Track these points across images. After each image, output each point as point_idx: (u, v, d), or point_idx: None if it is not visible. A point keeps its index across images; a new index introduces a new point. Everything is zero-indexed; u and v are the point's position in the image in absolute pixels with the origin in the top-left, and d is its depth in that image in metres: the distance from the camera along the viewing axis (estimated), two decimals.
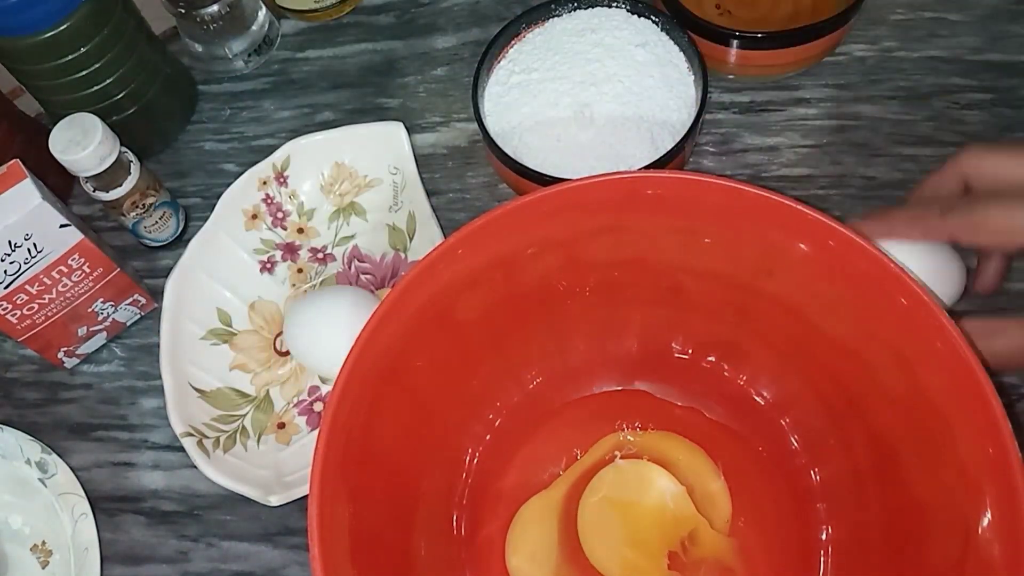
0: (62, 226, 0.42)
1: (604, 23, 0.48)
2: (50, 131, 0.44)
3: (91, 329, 0.48)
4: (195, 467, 0.42)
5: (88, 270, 0.45)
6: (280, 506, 0.41)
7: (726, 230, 0.32)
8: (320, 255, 0.50)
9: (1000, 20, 0.50)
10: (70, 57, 0.46)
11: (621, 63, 0.47)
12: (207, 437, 0.43)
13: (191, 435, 0.43)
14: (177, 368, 0.45)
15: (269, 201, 0.49)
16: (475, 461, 0.40)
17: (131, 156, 0.46)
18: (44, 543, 0.45)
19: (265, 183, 0.49)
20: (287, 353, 0.47)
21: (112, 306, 0.48)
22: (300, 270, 0.49)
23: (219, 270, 0.48)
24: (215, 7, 0.53)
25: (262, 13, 0.56)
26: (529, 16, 0.48)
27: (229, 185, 0.48)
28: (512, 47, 0.49)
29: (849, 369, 0.34)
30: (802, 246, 0.31)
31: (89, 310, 0.47)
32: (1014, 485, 0.26)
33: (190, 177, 0.54)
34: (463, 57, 0.54)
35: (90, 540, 0.43)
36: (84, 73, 0.48)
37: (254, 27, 0.56)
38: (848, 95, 0.49)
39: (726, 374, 0.39)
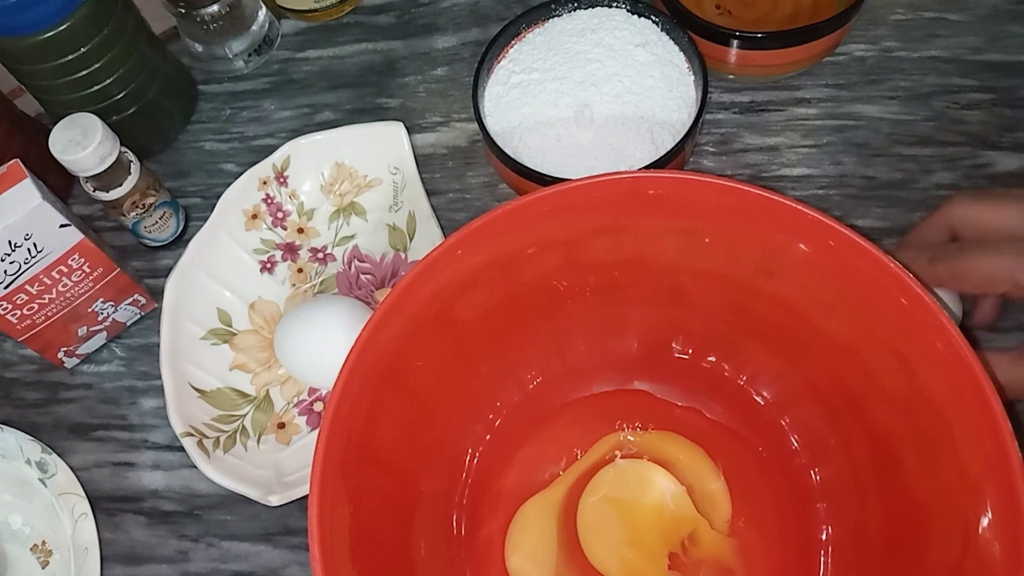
0: (62, 226, 0.42)
1: (604, 23, 0.48)
2: (50, 131, 0.44)
3: (91, 329, 0.48)
4: (195, 467, 0.42)
5: (88, 270, 0.45)
6: (280, 506, 0.41)
7: (726, 230, 0.32)
8: (320, 255, 0.50)
9: (1000, 20, 0.50)
10: (70, 57, 0.46)
11: (621, 63, 0.47)
12: (207, 437, 0.43)
13: (191, 435, 0.43)
14: (177, 368, 0.45)
15: (269, 201, 0.49)
16: (475, 461, 0.40)
17: (131, 156, 0.46)
18: (44, 543, 0.45)
19: (265, 183, 0.49)
20: None
21: (112, 306, 0.48)
22: (300, 270, 0.49)
23: (219, 270, 0.48)
24: (215, 7, 0.53)
25: (262, 13, 0.56)
26: (529, 16, 0.48)
27: (229, 185, 0.48)
28: (512, 47, 0.49)
29: (849, 369, 0.34)
30: (802, 246, 0.31)
31: (89, 310, 0.47)
32: (1014, 485, 0.26)
33: (190, 177, 0.54)
34: (463, 57, 0.54)
35: (90, 540, 0.43)
36: (84, 73, 0.48)
37: (254, 27, 0.56)
38: (848, 95, 0.49)
39: (726, 374, 0.39)
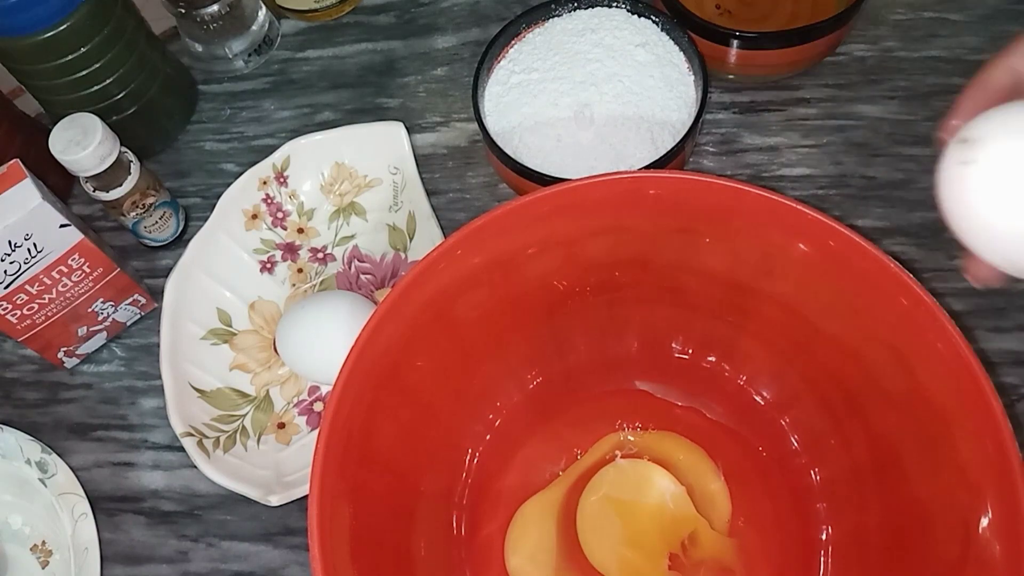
0: (62, 226, 0.42)
1: (604, 23, 0.48)
2: (50, 131, 0.44)
3: (91, 329, 0.48)
4: (195, 467, 0.42)
5: (88, 270, 0.45)
6: (280, 506, 0.41)
7: (726, 230, 0.32)
8: (320, 255, 0.50)
9: (1000, 20, 0.50)
10: (70, 57, 0.46)
11: (621, 63, 0.47)
12: (207, 437, 0.43)
13: (191, 435, 0.43)
14: (177, 368, 0.45)
15: (269, 201, 0.49)
16: (475, 461, 0.40)
17: (131, 156, 0.46)
18: (44, 543, 0.45)
19: (265, 183, 0.49)
20: None
21: (112, 306, 0.48)
22: (300, 270, 0.49)
23: (219, 270, 0.48)
24: (215, 7, 0.53)
25: (262, 13, 0.56)
26: (529, 16, 0.48)
27: (229, 185, 0.48)
28: (512, 47, 0.49)
29: (849, 369, 0.34)
30: (802, 246, 0.31)
31: (89, 310, 0.47)
32: (1014, 485, 0.26)
33: (190, 177, 0.54)
34: (463, 57, 0.54)
35: (90, 540, 0.43)
36: (84, 73, 0.48)
37: (254, 27, 0.56)
38: (848, 95, 0.49)
39: (726, 374, 0.39)
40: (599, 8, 0.48)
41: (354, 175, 0.50)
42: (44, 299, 0.44)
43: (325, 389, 0.46)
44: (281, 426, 0.45)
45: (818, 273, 0.32)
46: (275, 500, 0.40)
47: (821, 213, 0.30)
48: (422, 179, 0.48)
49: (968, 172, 0.26)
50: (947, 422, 0.29)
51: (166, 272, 0.47)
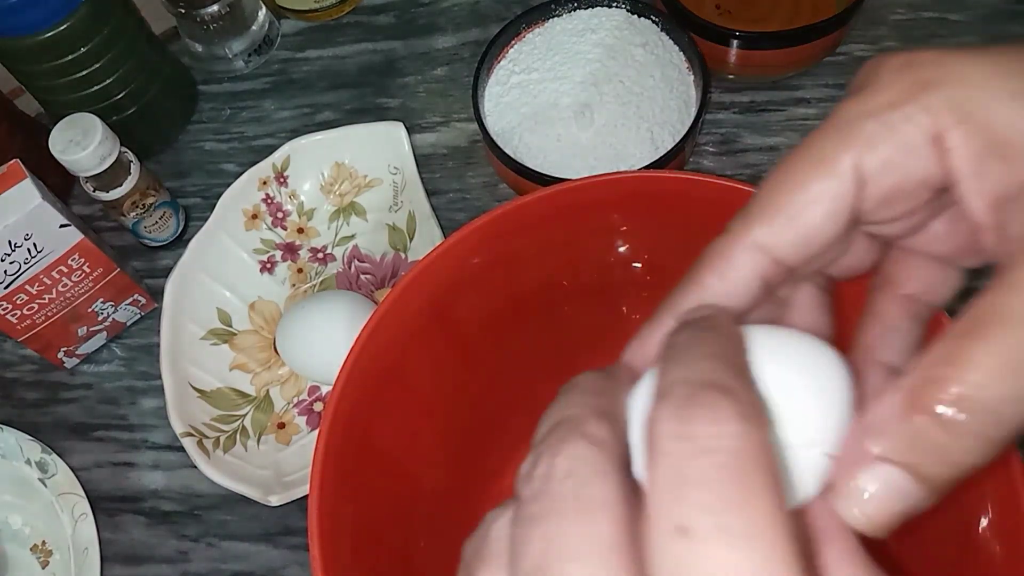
0: (62, 226, 0.42)
1: (604, 23, 0.48)
2: (50, 131, 0.44)
3: (91, 329, 0.48)
4: (195, 467, 0.42)
5: (88, 270, 0.45)
6: (280, 506, 0.41)
7: None
8: (320, 255, 0.50)
9: (1000, 20, 0.50)
10: (70, 57, 0.46)
11: (621, 63, 0.47)
12: (207, 437, 0.43)
13: (191, 435, 0.43)
14: (177, 368, 0.45)
15: (269, 201, 0.49)
16: (475, 461, 0.40)
17: (131, 156, 0.46)
18: (44, 543, 0.45)
19: (265, 183, 0.49)
20: None
21: (112, 306, 0.48)
22: (300, 270, 0.49)
23: (219, 270, 0.48)
24: (215, 7, 0.53)
25: (262, 13, 0.56)
26: (529, 16, 0.48)
27: (229, 185, 0.48)
28: (512, 47, 0.49)
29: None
30: None
31: (89, 310, 0.47)
32: (1014, 485, 0.26)
33: (190, 177, 0.54)
34: (463, 57, 0.54)
35: (90, 540, 0.43)
36: (84, 73, 0.48)
37: (254, 27, 0.56)
38: None
39: None
40: (599, 8, 0.48)
41: (354, 175, 0.50)
42: (44, 299, 0.44)
43: (325, 389, 0.46)
44: (281, 426, 0.45)
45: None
46: (275, 500, 0.40)
47: None
48: (422, 179, 0.48)
49: None
50: None
51: (166, 272, 0.47)
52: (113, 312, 0.48)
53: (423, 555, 0.36)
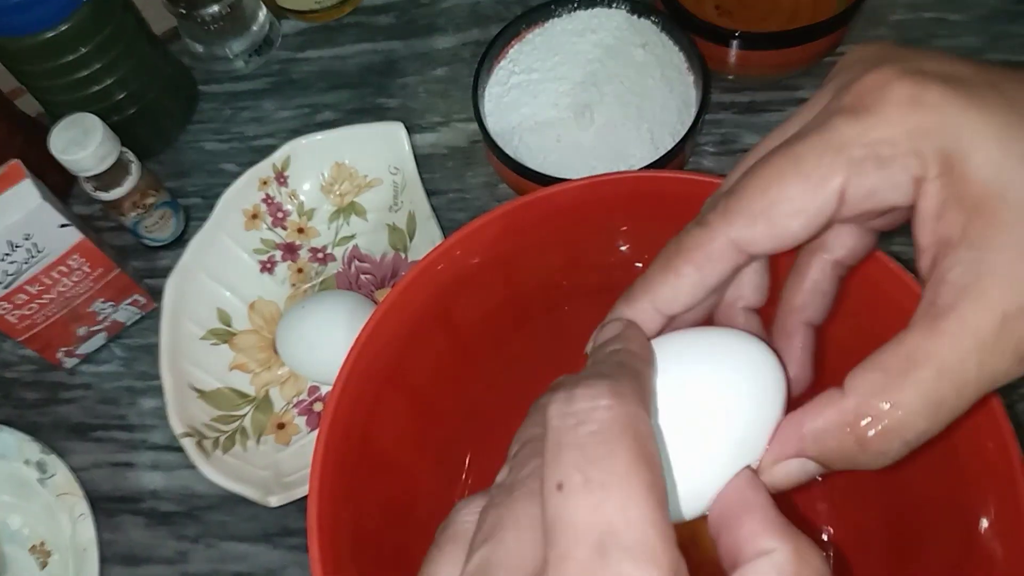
0: (62, 226, 0.42)
1: (604, 23, 0.48)
2: (50, 131, 0.44)
3: (91, 329, 0.48)
4: (194, 467, 0.42)
5: (88, 270, 0.45)
6: (279, 507, 0.40)
7: None
8: (320, 255, 0.50)
9: (1000, 20, 0.50)
10: (71, 57, 0.46)
11: (621, 63, 0.47)
12: (206, 437, 0.43)
13: (190, 435, 0.43)
14: (177, 368, 0.45)
15: (269, 201, 0.49)
16: (475, 461, 0.40)
17: (131, 156, 0.46)
18: (43, 543, 0.45)
19: (265, 183, 0.49)
20: None
21: (112, 306, 0.48)
22: (300, 270, 0.49)
23: (219, 270, 0.48)
24: (215, 7, 0.53)
25: (262, 13, 0.56)
26: (529, 16, 0.48)
27: (229, 185, 0.48)
28: (512, 47, 0.49)
29: (848, 369, 0.33)
30: None
31: (89, 310, 0.47)
32: (1014, 485, 0.26)
33: (190, 177, 0.54)
34: (463, 57, 0.54)
35: (89, 540, 0.43)
36: (85, 73, 0.48)
37: (254, 27, 0.56)
38: None
39: None
40: (599, 8, 0.48)
41: (354, 175, 0.50)
42: (44, 299, 0.44)
43: (325, 389, 0.46)
44: (281, 426, 0.45)
45: None
46: (274, 501, 0.40)
47: None
48: (422, 179, 0.48)
49: None
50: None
51: (166, 272, 0.47)
52: (113, 312, 0.48)
53: (423, 555, 0.36)
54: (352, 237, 0.49)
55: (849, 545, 0.36)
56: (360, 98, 0.54)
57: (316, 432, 0.38)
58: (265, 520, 0.44)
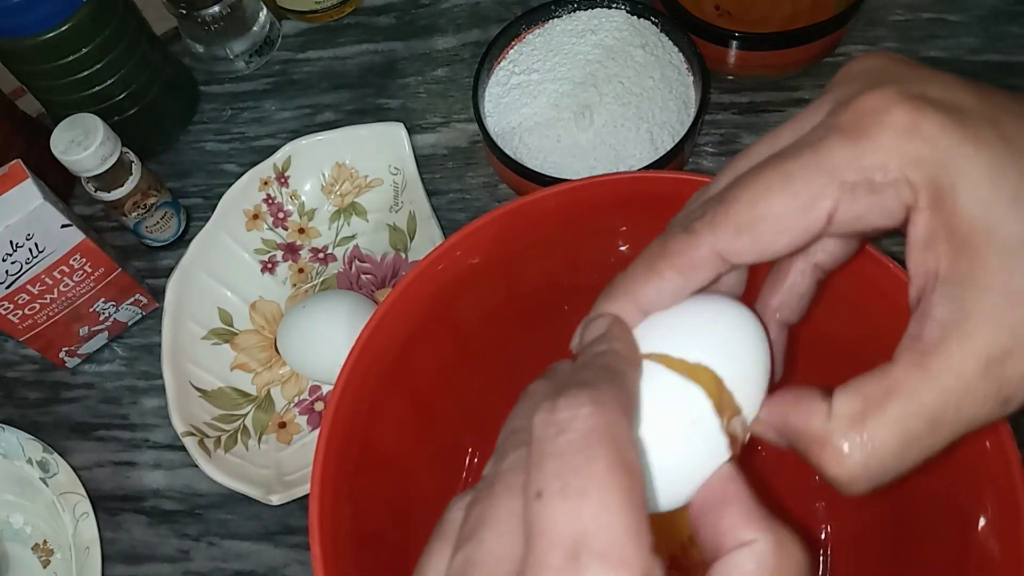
0: (64, 226, 0.42)
1: (604, 24, 0.48)
2: (51, 131, 0.44)
3: (92, 329, 0.48)
4: (196, 466, 0.42)
5: (89, 270, 0.45)
6: (281, 505, 0.41)
7: None
8: (321, 255, 0.50)
9: (1000, 20, 0.50)
10: (71, 58, 0.47)
11: (621, 64, 0.47)
12: (208, 436, 0.43)
13: (192, 434, 0.43)
14: (178, 367, 0.45)
15: (270, 201, 0.50)
16: (475, 461, 0.40)
17: (132, 156, 0.47)
18: (45, 542, 0.45)
19: (266, 183, 0.49)
20: None
21: (113, 306, 0.48)
22: (301, 270, 0.49)
23: (220, 270, 0.48)
24: (216, 8, 0.53)
25: (263, 14, 0.56)
26: (529, 17, 0.49)
27: (230, 185, 0.48)
28: (512, 48, 0.49)
29: (848, 370, 0.34)
30: None
31: (91, 310, 0.47)
32: (1014, 484, 0.26)
33: (191, 177, 0.54)
34: (463, 58, 0.54)
35: (91, 539, 0.43)
36: (85, 74, 0.48)
37: (255, 28, 0.56)
38: None
39: None
40: (599, 9, 0.49)
41: (355, 175, 0.50)
42: (46, 299, 0.44)
43: (326, 388, 0.46)
44: (282, 425, 0.45)
45: None
46: (276, 499, 0.40)
47: None
48: (422, 179, 0.48)
49: None
50: None
51: (167, 272, 0.47)
52: (114, 312, 0.48)
53: None
54: (353, 237, 0.50)
55: (848, 544, 0.36)
56: (361, 98, 0.54)
57: (317, 431, 0.39)
58: (267, 519, 0.44)
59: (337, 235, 0.50)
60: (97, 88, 0.49)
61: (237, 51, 0.56)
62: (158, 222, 0.50)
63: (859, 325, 0.32)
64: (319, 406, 0.46)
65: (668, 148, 0.43)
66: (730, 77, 0.50)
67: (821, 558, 0.36)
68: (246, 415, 0.45)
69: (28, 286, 0.43)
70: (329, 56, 0.56)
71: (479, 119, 0.46)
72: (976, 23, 0.50)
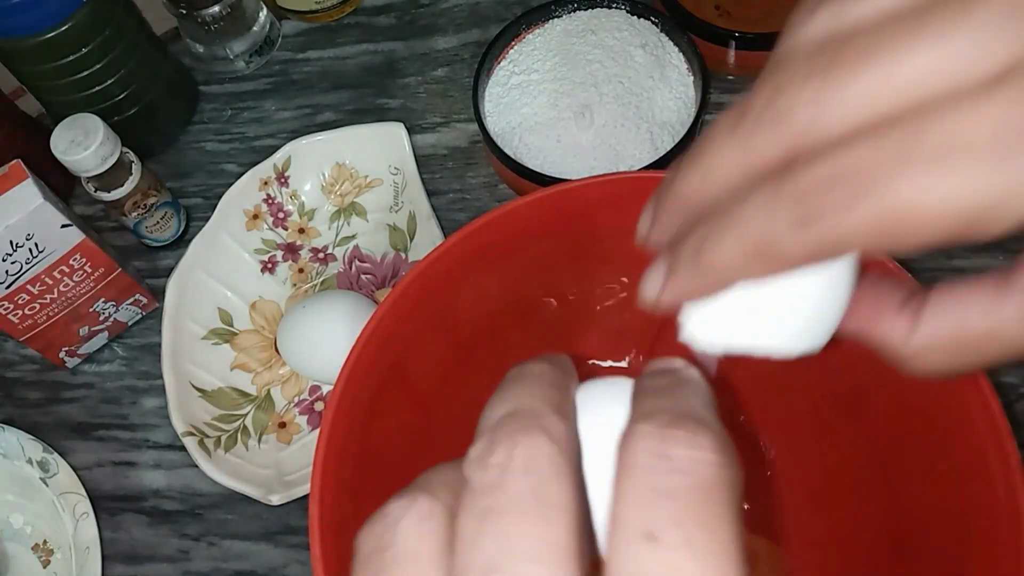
0: (64, 226, 0.42)
1: (604, 24, 0.48)
2: (51, 131, 0.44)
3: (92, 329, 0.48)
4: (196, 466, 0.42)
5: (89, 270, 0.45)
6: (281, 505, 0.41)
7: None
8: (321, 255, 0.50)
9: None
10: (71, 58, 0.47)
11: (621, 64, 0.47)
12: (208, 436, 0.43)
13: (192, 434, 0.43)
14: (178, 368, 0.45)
15: (270, 201, 0.50)
16: None
17: (132, 156, 0.47)
18: (45, 542, 0.45)
19: (266, 183, 0.49)
20: None
21: (113, 306, 0.48)
22: (301, 270, 0.49)
23: (220, 270, 0.48)
24: (216, 8, 0.53)
25: (263, 14, 0.56)
26: (529, 17, 0.49)
27: (230, 185, 0.48)
28: (512, 48, 0.49)
29: (847, 370, 0.34)
30: None
31: (91, 310, 0.47)
32: (1013, 485, 0.26)
33: (191, 177, 0.54)
34: (463, 58, 0.54)
35: (91, 539, 0.43)
36: (85, 74, 0.48)
37: (255, 28, 0.56)
38: None
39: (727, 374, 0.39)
40: (599, 9, 0.49)
41: (355, 175, 0.50)
42: (46, 299, 0.44)
43: (326, 388, 0.46)
44: (282, 425, 0.45)
45: None
46: (276, 499, 0.40)
47: None
48: (422, 179, 0.48)
49: None
50: (946, 422, 0.29)
51: (167, 272, 0.47)
52: (114, 312, 0.48)
53: None
54: (353, 237, 0.50)
55: (849, 545, 0.36)
56: (361, 98, 0.54)
57: (317, 431, 0.39)
58: (267, 519, 0.44)
59: (337, 235, 0.50)
60: (97, 88, 0.49)
61: (237, 51, 0.56)
62: (158, 222, 0.50)
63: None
64: (319, 406, 0.46)
65: (668, 148, 0.43)
66: (730, 77, 0.50)
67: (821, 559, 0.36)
68: (246, 415, 0.45)
69: (28, 286, 0.43)
70: (329, 56, 0.56)
71: (479, 119, 0.46)
72: None
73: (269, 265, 0.49)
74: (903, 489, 0.32)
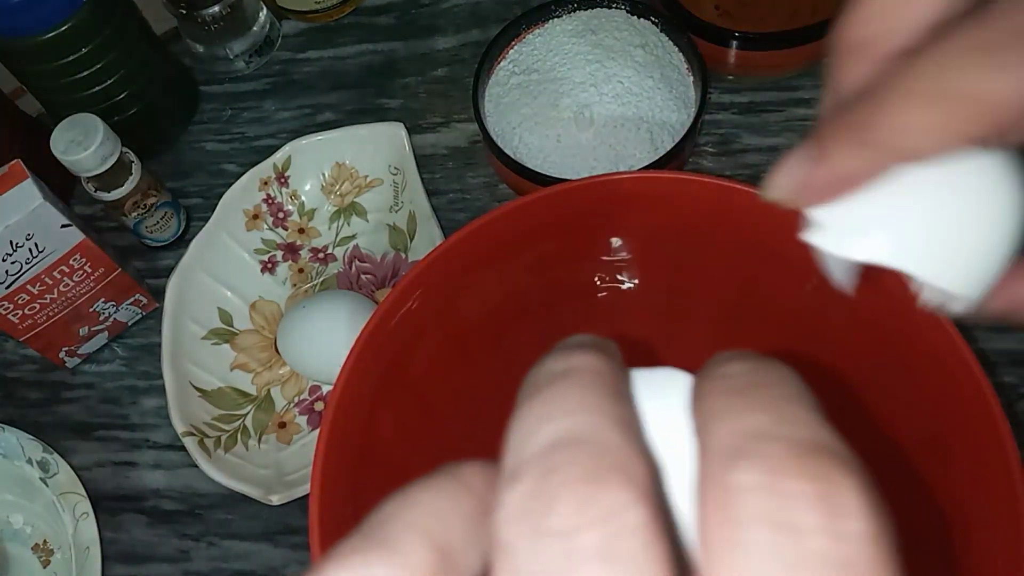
0: (64, 226, 0.42)
1: (604, 24, 0.48)
2: (51, 131, 0.44)
3: (92, 329, 0.48)
4: (196, 466, 0.42)
5: (90, 270, 0.45)
6: (281, 505, 0.41)
7: (725, 230, 0.33)
8: (321, 255, 0.50)
9: None
10: (71, 58, 0.47)
11: (621, 64, 0.47)
12: (208, 436, 0.43)
13: (192, 434, 0.43)
14: (178, 368, 0.45)
15: (270, 201, 0.50)
16: (477, 460, 0.40)
17: (132, 156, 0.47)
18: (45, 542, 0.45)
19: (266, 183, 0.49)
20: None
21: (113, 306, 0.48)
22: (301, 270, 0.49)
23: (220, 270, 0.48)
24: (216, 8, 0.53)
25: (263, 14, 0.56)
26: (529, 17, 0.49)
27: (230, 185, 0.48)
28: (512, 48, 0.49)
29: (848, 371, 0.34)
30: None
31: (91, 310, 0.47)
32: (1013, 485, 0.26)
33: (191, 177, 0.54)
34: (463, 58, 0.54)
35: (91, 539, 0.43)
36: (85, 74, 0.48)
37: (255, 28, 0.56)
38: None
39: None
40: (599, 9, 0.49)
41: (355, 175, 0.50)
42: (46, 299, 0.44)
43: (326, 388, 0.46)
44: (282, 425, 0.45)
45: (817, 273, 0.32)
46: (276, 499, 0.40)
47: None
48: (422, 179, 0.48)
49: None
50: (946, 422, 0.29)
51: (167, 272, 0.47)
52: (114, 312, 0.48)
53: None
54: (353, 237, 0.50)
55: None
56: (361, 98, 0.54)
57: (317, 431, 0.39)
58: (267, 519, 0.44)
59: (337, 235, 0.50)
60: (97, 88, 0.49)
61: (237, 51, 0.56)
62: (158, 222, 0.50)
63: (858, 326, 0.32)
64: (319, 406, 0.46)
65: (668, 148, 0.43)
66: (730, 77, 0.50)
67: None
68: (246, 415, 0.45)
69: (28, 286, 0.43)
70: (329, 56, 0.56)
71: (479, 119, 0.46)
72: None
73: (269, 265, 0.49)
74: (902, 489, 0.32)
